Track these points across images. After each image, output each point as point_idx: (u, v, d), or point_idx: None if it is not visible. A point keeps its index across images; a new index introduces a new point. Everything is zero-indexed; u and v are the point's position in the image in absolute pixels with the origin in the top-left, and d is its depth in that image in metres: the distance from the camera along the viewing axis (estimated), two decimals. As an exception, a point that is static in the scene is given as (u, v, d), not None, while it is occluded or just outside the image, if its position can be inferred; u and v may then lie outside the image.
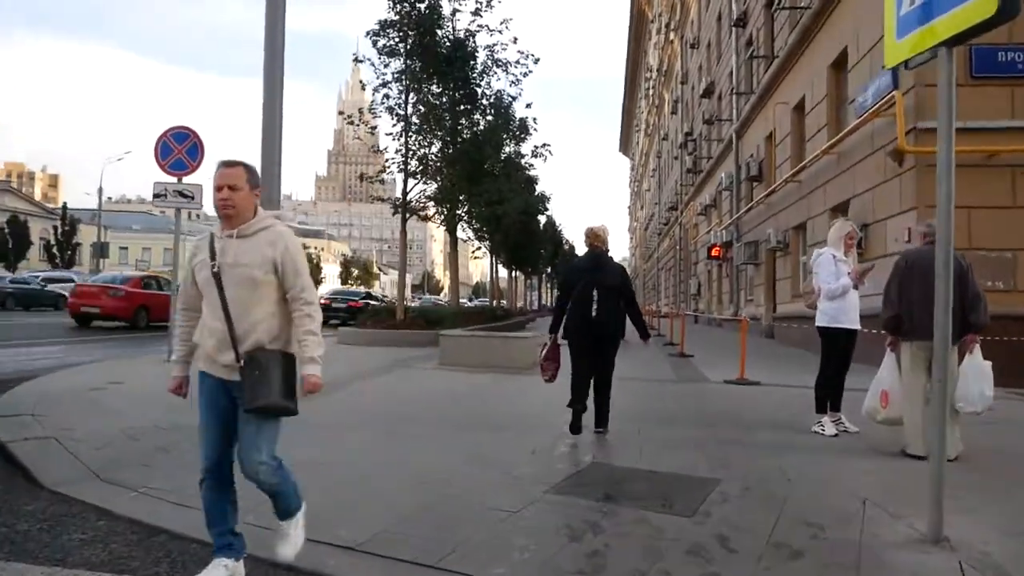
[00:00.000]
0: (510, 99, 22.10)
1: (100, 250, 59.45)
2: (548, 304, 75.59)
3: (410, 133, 17.50)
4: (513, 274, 42.79)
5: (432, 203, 20.05)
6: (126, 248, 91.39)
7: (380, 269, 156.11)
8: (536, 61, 20.86)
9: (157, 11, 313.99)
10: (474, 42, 18.29)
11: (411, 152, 17.62)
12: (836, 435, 6.52)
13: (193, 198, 10.92)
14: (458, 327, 18.46)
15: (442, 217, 21.79)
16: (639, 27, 74.30)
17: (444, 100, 18.29)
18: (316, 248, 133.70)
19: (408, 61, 17.20)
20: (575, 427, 6.31)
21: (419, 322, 17.33)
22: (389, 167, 17.72)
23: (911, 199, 12.11)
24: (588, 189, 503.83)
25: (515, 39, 19.69)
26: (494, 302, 34.36)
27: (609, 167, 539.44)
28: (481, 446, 5.73)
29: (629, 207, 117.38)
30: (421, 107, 17.84)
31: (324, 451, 5.34)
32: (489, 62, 19.82)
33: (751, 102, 23.69)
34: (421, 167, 18.05)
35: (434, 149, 18.40)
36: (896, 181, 12.53)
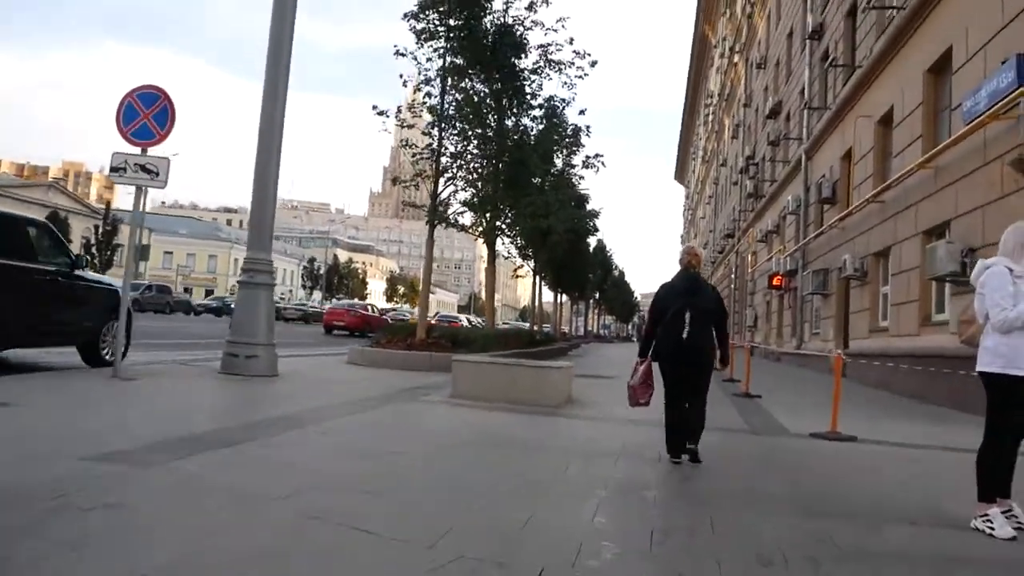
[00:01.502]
0: (563, 103, 20.32)
1: (139, 253, 58.98)
2: (595, 331, 73.30)
3: (444, 125, 15.61)
4: (559, 298, 40.69)
5: (467, 209, 18.16)
6: (171, 252, 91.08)
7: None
8: (593, 64, 19.02)
9: (221, 20, 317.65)
10: (524, 33, 16.46)
11: (444, 148, 15.74)
12: (1014, 537, 4.34)
13: (158, 174, 9.02)
14: (489, 351, 16.55)
15: (481, 228, 19.94)
16: (701, 52, 72.57)
17: (486, 93, 16.45)
18: (363, 263, 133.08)
19: (447, 46, 15.38)
20: (675, 452, 6.15)
21: (443, 343, 15.33)
22: (418, 164, 15.75)
23: (1038, 218, 9.91)
24: (641, 217, 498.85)
25: (571, 39, 17.87)
26: (535, 326, 32.27)
27: (663, 196, 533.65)
28: (461, 557, 3.34)
29: (682, 235, 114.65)
30: (459, 96, 15.97)
31: (193, 551, 3.19)
32: (542, 62, 18.10)
33: (825, 118, 21.51)
34: (454, 164, 16.16)
35: (471, 147, 16.50)
36: (1018, 196, 10.32)
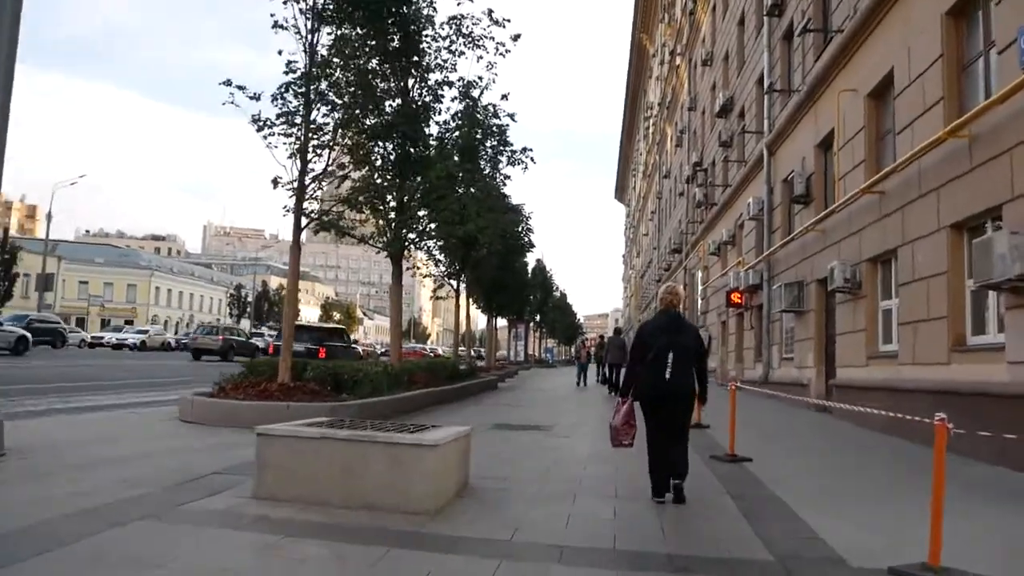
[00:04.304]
0: (480, 82, 16.82)
1: (44, 283, 53.91)
2: (536, 355, 69.38)
3: (311, 93, 11.56)
4: (494, 321, 36.63)
5: (346, 207, 14.25)
6: (86, 282, 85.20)
7: (365, 313, 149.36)
8: (516, 38, 15.62)
9: (155, 52, 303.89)
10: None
11: (313, 122, 11.69)
12: None
13: None
14: (384, 394, 12.60)
15: (383, 239, 15.97)
16: (638, 65, 70.36)
17: (368, 50, 12.65)
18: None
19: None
20: (658, 491, 6.06)
21: (313, 388, 11.23)
22: (268, 142, 11.58)
23: None
24: (583, 240, 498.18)
25: (489, 11, 14.52)
26: (463, 353, 28.21)
27: (604, 218, 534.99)
28: None
29: (624, 255, 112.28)
30: (330, 54, 12.00)
31: None
32: (455, 36, 14.69)
33: (793, 103, 18.18)
34: (322, 140, 12.14)
35: (348, 117, 12.58)
36: None
